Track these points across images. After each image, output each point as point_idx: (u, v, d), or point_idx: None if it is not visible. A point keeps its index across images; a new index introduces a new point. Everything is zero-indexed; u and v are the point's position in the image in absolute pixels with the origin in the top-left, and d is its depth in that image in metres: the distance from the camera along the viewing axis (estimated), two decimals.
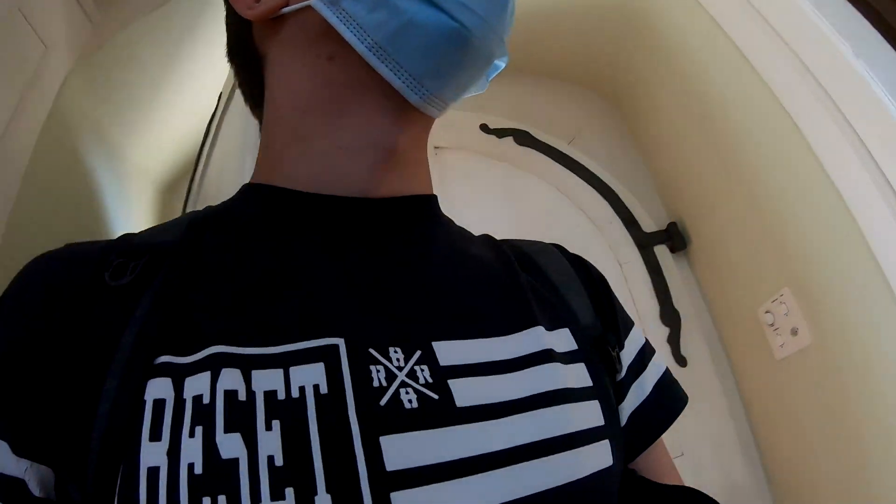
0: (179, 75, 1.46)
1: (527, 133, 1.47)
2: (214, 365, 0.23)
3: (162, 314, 0.25)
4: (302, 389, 0.23)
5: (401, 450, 0.23)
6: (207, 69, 1.43)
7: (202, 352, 0.24)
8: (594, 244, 1.36)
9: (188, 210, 1.17)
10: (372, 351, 0.26)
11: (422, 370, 0.26)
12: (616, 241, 1.36)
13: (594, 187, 1.41)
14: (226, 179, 1.08)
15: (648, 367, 0.38)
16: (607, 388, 0.33)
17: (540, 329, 0.31)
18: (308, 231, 0.32)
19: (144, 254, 0.29)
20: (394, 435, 0.23)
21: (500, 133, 1.47)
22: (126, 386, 0.23)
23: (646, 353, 0.39)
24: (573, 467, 0.27)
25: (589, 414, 0.30)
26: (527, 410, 0.27)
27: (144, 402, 0.23)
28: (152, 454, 0.21)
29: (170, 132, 1.59)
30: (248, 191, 0.35)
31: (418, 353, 0.27)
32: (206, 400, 0.23)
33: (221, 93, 1.35)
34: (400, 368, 0.26)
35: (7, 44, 0.84)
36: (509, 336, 0.30)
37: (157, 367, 0.24)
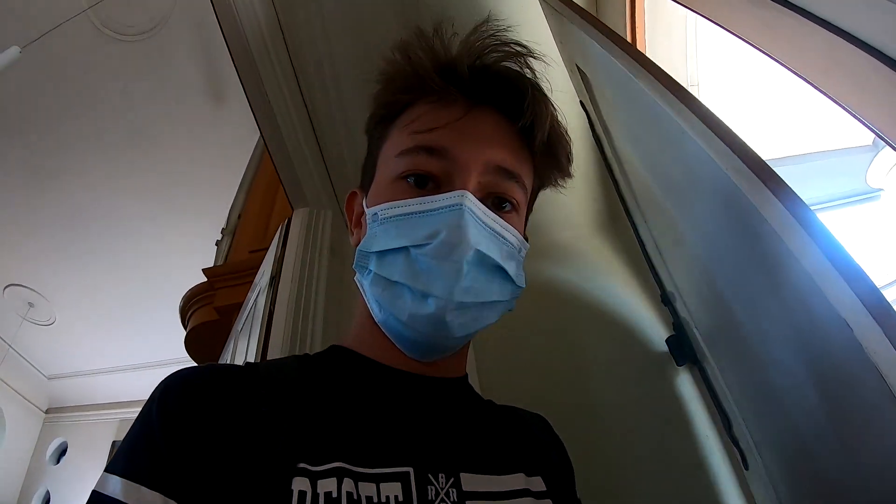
0: None
1: None
2: (339, 474, 0.40)
3: (299, 433, 0.42)
4: (388, 497, 0.41)
5: None
6: None
7: (328, 464, 0.40)
8: None
9: None
10: (429, 475, 0.44)
11: (453, 491, 0.44)
12: None
13: None
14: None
15: None
16: None
17: (522, 475, 0.50)
18: (381, 389, 0.50)
19: (278, 385, 0.45)
20: None
21: None
22: (280, 478, 0.38)
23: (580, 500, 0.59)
24: None
25: None
26: None
27: (292, 490, 0.38)
28: None
29: None
30: (337, 352, 0.54)
31: (452, 478, 0.45)
32: (334, 495, 0.38)
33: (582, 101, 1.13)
34: (442, 488, 0.44)
35: None
36: (504, 476, 0.49)
37: (298, 469, 0.39)
